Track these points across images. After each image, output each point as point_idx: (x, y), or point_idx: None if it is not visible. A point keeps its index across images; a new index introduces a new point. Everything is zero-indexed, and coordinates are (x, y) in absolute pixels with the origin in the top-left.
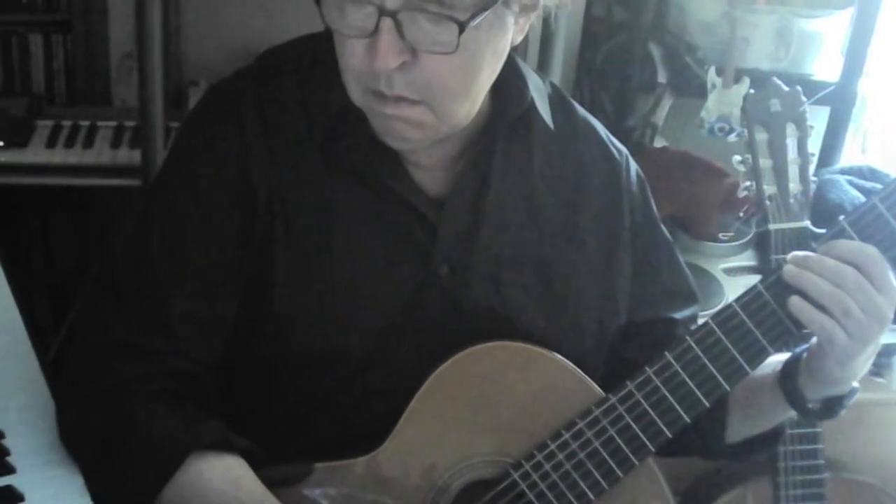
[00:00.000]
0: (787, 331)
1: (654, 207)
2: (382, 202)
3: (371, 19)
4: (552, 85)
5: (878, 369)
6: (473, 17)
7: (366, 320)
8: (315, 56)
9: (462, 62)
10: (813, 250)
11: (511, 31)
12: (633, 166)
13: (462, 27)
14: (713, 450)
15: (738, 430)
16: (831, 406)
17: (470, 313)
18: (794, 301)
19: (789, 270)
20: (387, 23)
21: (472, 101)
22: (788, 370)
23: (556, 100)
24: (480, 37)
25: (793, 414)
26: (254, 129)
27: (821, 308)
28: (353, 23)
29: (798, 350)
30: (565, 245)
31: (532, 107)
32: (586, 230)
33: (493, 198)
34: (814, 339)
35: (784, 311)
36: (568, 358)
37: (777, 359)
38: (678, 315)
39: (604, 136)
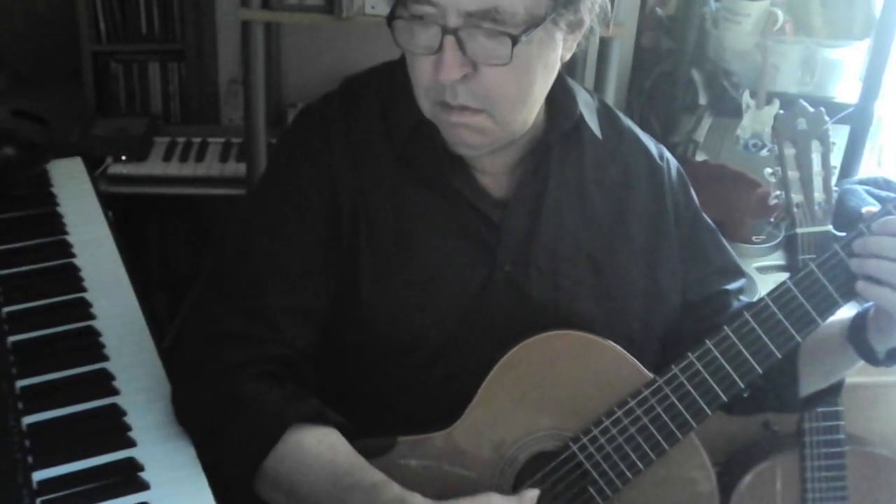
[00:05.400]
0: (836, 303)
1: (696, 199)
2: (452, 206)
3: (436, 38)
4: (600, 100)
5: None
6: (525, 32)
7: (441, 311)
8: (392, 79)
9: (517, 74)
10: (844, 245)
11: (560, 46)
12: (674, 165)
13: (515, 41)
14: (788, 403)
15: (810, 382)
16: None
17: (532, 304)
18: (858, 285)
19: (854, 262)
20: (450, 40)
21: (528, 110)
22: (857, 326)
23: (604, 112)
24: (532, 51)
25: (860, 364)
26: (340, 144)
27: (878, 282)
28: (421, 42)
29: (864, 308)
30: (615, 240)
31: (581, 120)
32: (634, 226)
33: (551, 200)
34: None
35: (832, 285)
36: (618, 340)
37: (840, 316)
38: (730, 287)
39: (646, 141)
